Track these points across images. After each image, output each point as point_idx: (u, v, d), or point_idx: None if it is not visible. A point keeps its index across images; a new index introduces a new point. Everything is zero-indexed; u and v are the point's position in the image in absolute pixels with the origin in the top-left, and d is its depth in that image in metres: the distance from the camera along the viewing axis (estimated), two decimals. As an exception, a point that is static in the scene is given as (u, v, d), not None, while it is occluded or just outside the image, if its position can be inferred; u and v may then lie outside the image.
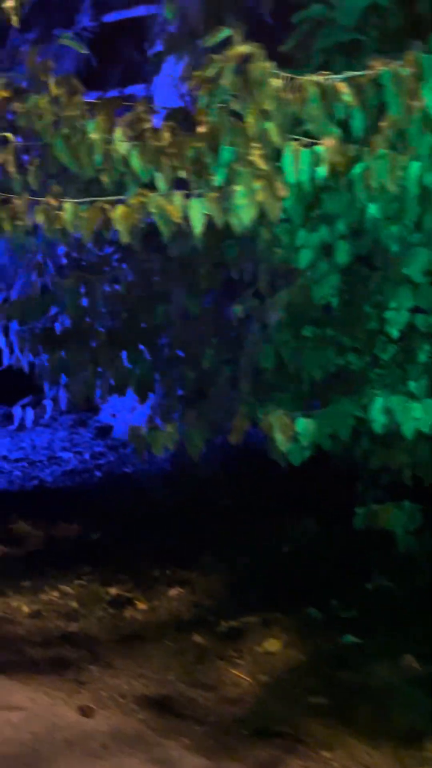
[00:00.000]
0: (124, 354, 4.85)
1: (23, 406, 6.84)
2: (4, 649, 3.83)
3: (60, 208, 3.65)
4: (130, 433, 4.35)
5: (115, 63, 8.06)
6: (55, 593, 4.57)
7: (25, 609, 4.33)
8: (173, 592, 4.66)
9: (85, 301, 4.95)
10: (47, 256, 5.77)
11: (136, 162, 3.42)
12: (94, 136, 3.42)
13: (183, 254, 4.47)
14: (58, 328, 5.29)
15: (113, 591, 4.66)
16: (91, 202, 3.70)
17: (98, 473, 7.16)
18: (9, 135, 4.00)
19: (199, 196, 3.63)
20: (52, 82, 3.65)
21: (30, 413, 6.90)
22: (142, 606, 4.50)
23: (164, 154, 3.42)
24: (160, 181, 3.48)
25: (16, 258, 7.20)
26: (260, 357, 4.36)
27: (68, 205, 3.64)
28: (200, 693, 3.60)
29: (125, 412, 7.86)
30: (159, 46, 7.74)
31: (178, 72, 7.68)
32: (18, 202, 3.64)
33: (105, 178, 3.48)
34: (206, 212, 3.65)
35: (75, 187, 4.20)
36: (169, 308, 4.77)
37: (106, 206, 3.70)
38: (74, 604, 4.45)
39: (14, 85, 4.21)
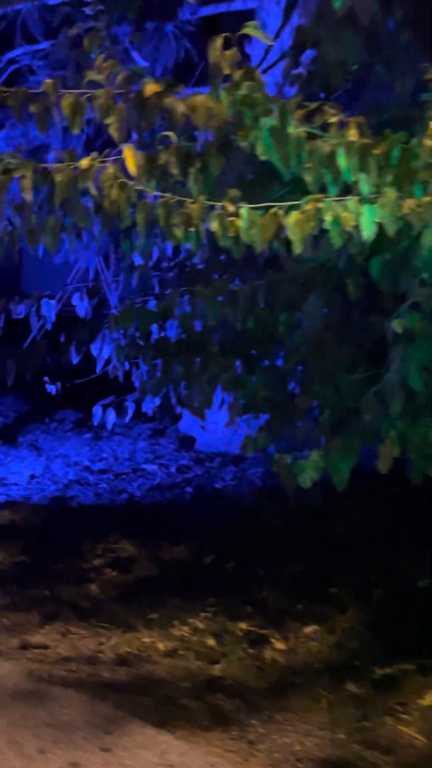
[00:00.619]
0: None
1: (104, 407, 6.40)
2: (153, 697, 3.48)
3: (235, 215, 3.33)
4: (276, 462, 4.04)
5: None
6: (186, 628, 4.21)
7: (161, 646, 3.98)
8: (308, 629, 4.30)
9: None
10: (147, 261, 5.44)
11: (342, 161, 3.08)
12: (297, 131, 3.09)
13: (326, 263, 4.14)
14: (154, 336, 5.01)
15: (243, 626, 4.31)
16: (266, 208, 3.38)
17: (189, 489, 6.81)
18: (172, 134, 3.67)
19: (371, 201, 3.33)
20: (237, 74, 3.33)
21: (111, 415, 6.46)
22: (280, 646, 4.14)
23: (371, 154, 3.07)
24: (364, 183, 3.14)
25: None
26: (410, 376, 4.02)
27: (244, 210, 3.30)
28: (378, 756, 3.25)
29: (216, 424, 7.51)
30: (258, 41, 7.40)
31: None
32: (193, 207, 3.30)
33: (308, 178, 3.14)
34: (377, 219, 3.35)
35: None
36: (299, 319, 4.44)
37: (280, 212, 3.38)
38: (210, 642, 4.09)
39: (165, 79, 3.92)
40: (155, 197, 3.55)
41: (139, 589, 4.72)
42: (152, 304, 5.11)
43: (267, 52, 6.42)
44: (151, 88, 3.75)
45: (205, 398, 4.58)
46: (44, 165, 3.54)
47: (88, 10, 5.92)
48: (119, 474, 7.10)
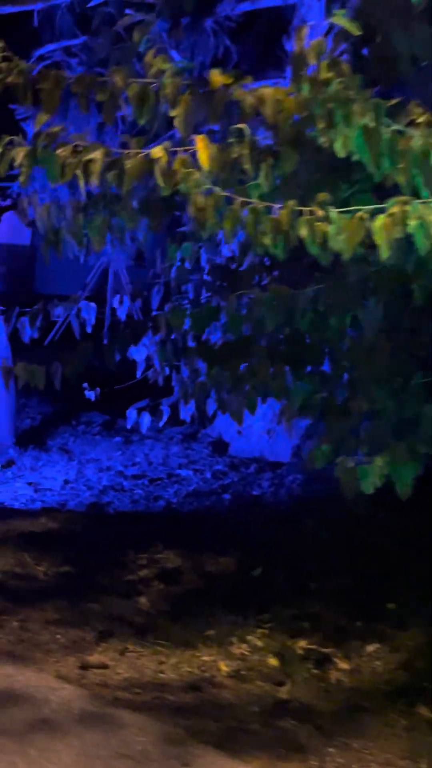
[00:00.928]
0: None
1: (139, 410, 6.26)
2: (224, 722, 3.31)
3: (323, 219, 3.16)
4: (338, 467, 3.90)
5: (251, 53, 7.57)
6: (245, 646, 4.05)
7: (223, 667, 3.81)
8: (371, 648, 4.13)
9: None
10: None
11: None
12: (387, 130, 2.93)
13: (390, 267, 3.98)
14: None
15: (303, 644, 4.14)
16: (352, 212, 3.22)
17: (226, 496, 6.64)
18: (244, 126, 3.51)
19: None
20: (323, 65, 3.16)
21: (146, 418, 6.31)
22: (343, 666, 3.98)
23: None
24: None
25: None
26: None
27: (334, 214, 3.14)
28: (465, 790, 3.08)
29: (251, 430, 7.36)
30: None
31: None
32: (282, 213, 3.12)
33: (400, 179, 2.98)
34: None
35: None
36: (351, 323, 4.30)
37: (365, 216, 3.23)
38: (272, 661, 3.93)
39: (233, 71, 3.77)
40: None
41: (189, 603, 4.55)
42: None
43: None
44: (218, 79, 3.60)
45: (248, 403, 4.43)
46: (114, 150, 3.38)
47: (128, 10, 5.77)
48: (154, 479, 6.94)
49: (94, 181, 3.31)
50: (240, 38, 7.53)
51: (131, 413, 6.52)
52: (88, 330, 5.33)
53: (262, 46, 7.60)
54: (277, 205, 3.12)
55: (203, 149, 3.33)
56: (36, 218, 4.48)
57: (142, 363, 5.51)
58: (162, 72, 3.72)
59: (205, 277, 5.33)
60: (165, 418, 6.30)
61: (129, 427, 6.54)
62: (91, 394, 5.89)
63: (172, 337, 5.03)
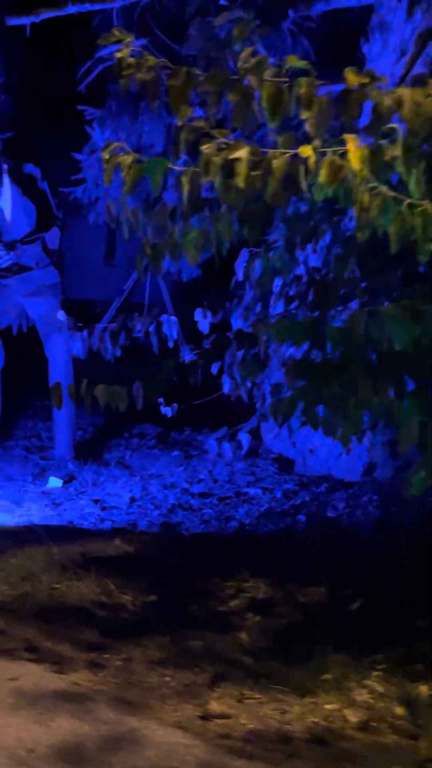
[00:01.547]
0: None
1: (218, 440, 6.09)
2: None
3: None
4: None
5: (325, 56, 7.27)
6: (365, 692, 3.73)
7: (350, 717, 3.50)
8: None
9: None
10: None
11: None
12: None
13: None
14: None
15: (424, 689, 3.83)
16: None
17: (301, 517, 6.32)
18: (396, 126, 3.24)
19: None
20: None
21: (228, 448, 6.12)
22: (474, 716, 3.67)
23: None
24: None
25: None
26: None
27: None
28: None
29: (321, 448, 7.06)
30: (377, 39, 6.96)
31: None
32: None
33: None
34: None
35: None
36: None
37: None
38: (399, 711, 3.61)
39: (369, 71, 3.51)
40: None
41: (292, 640, 4.23)
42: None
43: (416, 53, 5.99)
44: (354, 79, 3.34)
45: (352, 424, 4.14)
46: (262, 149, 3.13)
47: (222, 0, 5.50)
48: (222, 498, 6.62)
49: (241, 183, 3.03)
50: (315, 40, 7.26)
51: (211, 445, 6.28)
52: (170, 345, 5.07)
53: (335, 48, 7.31)
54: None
55: (354, 150, 3.06)
56: (122, 223, 4.24)
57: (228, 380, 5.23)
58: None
59: (275, 287, 5.07)
60: (246, 447, 6.03)
61: (212, 456, 6.31)
62: (167, 410, 5.61)
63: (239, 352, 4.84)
